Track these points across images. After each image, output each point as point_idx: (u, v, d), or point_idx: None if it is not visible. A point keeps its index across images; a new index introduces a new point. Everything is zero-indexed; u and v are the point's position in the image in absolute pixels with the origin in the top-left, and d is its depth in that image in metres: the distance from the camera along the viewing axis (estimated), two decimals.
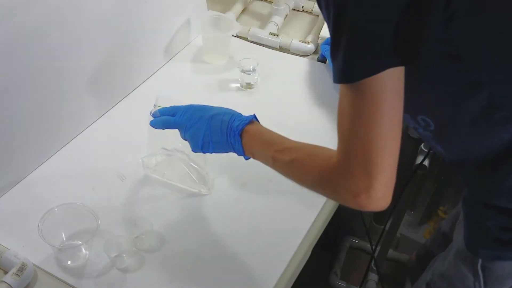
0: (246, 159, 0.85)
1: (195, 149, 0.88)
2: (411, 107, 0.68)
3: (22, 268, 0.87)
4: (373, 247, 1.39)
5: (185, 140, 0.90)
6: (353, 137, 0.65)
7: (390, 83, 0.63)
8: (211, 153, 0.87)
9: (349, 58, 0.63)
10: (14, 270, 0.87)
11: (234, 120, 0.84)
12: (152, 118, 0.93)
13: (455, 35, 0.65)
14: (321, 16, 1.54)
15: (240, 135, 0.83)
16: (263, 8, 1.60)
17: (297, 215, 1.00)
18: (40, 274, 0.91)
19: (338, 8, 0.62)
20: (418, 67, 0.67)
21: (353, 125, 0.65)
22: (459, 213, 1.31)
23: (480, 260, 0.90)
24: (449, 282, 1.00)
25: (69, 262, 0.92)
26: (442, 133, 0.81)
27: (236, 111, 0.88)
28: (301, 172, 0.77)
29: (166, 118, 0.90)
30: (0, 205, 1.01)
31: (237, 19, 1.52)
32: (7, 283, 0.85)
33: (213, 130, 0.85)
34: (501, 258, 0.88)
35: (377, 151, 0.64)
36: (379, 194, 0.66)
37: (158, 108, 0.95)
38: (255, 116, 0.86)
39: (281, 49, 1.42)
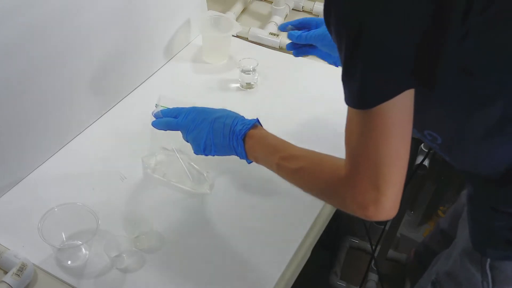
0: (249, 163, 0.85)
1: (197, 151, 0.88)
2: (417, 122, 0.67)
3: (22, 268, 0.87)
4: (373, 247, 1.39)
5: (187, 142, 0.89)
6: (362, 154, 0.66)
7: (402, 104, 0.63)
8: (213, 155, 0.87)
9: (366, 85, 0.62)
10: (14, 270, 0.87)
11: (236, 123, 0.84)
12: (154, 119, 0.93)
13: (469, 51, 0.64)
14: (321, 16, 1.54)
15: (243, 139, 0.83)
16: (263, 8, 1.60)
17: (297, 215, 1.00)
18: (40, 274, 0.91)
19: (355, 33, 0.60)
20: (431, 86, 0.66)
21: (362, 143, 0.65)
22: (458, 210, 1.30)
23: (488, 260, 0.90)
24: (456, 282, 1.00)
25: (69, 262, 0.92)
26: (450, 146, 0.80)
27: (239, 114, 0.87)
28: (308, 182, 0.77)
29: (168, 119, 0.90)
30: (0, 205, 1.01)
31: (237, 19, 1.52)
32: (7, 283, 0.85)
33: (216, 133, 0.85)
34: (510, 258, 0.87)
35: (386, 168, 0.65)
36: (387, 207, 0.66)
37: (161, 108, 0.95)
38: (258, 120, 0.85)
39: (281, 49, 1.42)
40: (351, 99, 0.65)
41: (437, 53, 0.62)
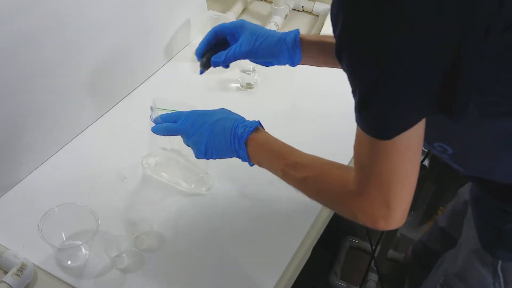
0: (251, 165, 0.85)
1: (198, 155, 0.87)
2: (428, 134, 0.66)
3: (22, 268, 0.87)
4: (373, 247, 1.39)
5: (188, 146, 0.89)
6: (373, 174, 0.66)
7: (416, 129, 0.62)
8: (215, 159, 0.87)
9: (383, 119, 0.61)
10: (14, 270, 0.87)
11: (237, 126, 0.83)
12: (153, 124, 0.93)
13: (488, 70, 0.61)
14: (321, 16, 1.53)
15: (245, 143, 0.82)
16: (263, 8, 1.60)
17: (297, 215, 1.00)
18: (40, 274, 0.91)
19: (375, 71, 0.58)
20: (452, 111, 0.63)
21: (373, 164, 0.65)
22: (457, 209, 1.30)
23: (500, 261, 0.89)
24: (466, 284, 0.99)
25: (69, 262, 0.92)
26: (462, 156, 0.79)
27: (239, 116, 0.87)
28: (315, 192, 0.78)
29: (168, 125, 0.89)
30: (0, 205, 1.01)
31: (237, 19, 1.52)
32: (7, 283, 0.85)
33: (216, 137, 0.84)
34: None
35: (396, 187, 0.65)
36: (397, 220, 0.68)
37: (158, 110, 0.94)
38: (259, 123, 0.85)
39: None
40: (365, 127, 0.64)
41: (458, 76, 0.59)
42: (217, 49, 0.97)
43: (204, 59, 0.97)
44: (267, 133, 0.84)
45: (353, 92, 0.63)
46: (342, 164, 0.75)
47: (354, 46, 0.60)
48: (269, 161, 0.81)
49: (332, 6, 0.62)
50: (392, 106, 0.60)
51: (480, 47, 0.57)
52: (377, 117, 0.62)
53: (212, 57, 0.96)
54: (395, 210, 0.66)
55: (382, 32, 0.56)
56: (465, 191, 1.28)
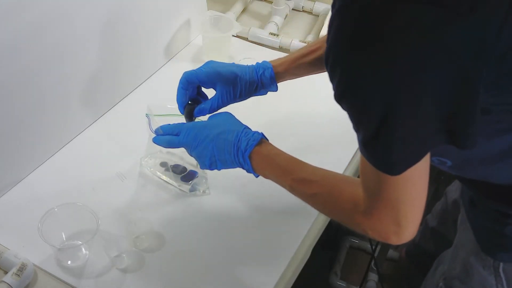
0: (256, 177, 0.85)
1: (203, 167, 0.88)
2: None
3: (22, 268, 0.87)
4: (373, 247, 1.39)
5: (192, 157, 0.89)
6: (382, 198, 0.66)
7: (424, 158, 0.62)
8: (220, 170, 0.87)
9: (392, 155, 0.61)
10: (14, 270, 0.87)
11: (240, 139, 0.83)
12: (151, 131, 0.92)
13: (491, 93, 0.60)
14: (321, 16, 1.53)
15: (249, 156, 0.82)
16: (263, 8, 1.60)
17: (297, 215, 1.00)
18: (40, 274, 0.91)
19: (380, 115, 0.57)
20: (460, 142, 0.62)
21: (381, 190, 0.65)
22: (446, 209, 1.30)
23: (501, 263, 0.90)
24: (469, 286, 0.99)
25: (69, 262, 0.92)
26: (461, 167, 0.80)
27: (241, 125, 0.86)
28: (324, 208, 0.79)
29: (170, 137, 0.89)
30: (0, 205, 1.01)
31: (237, 19, 1.52)
32: (7, 283, 0.85)
33: (220, 150, 0.84)
34: None
35: (406, 209, 0.66)
36: (408, 236, 0.68)
37: (155, 117, 0.94)
38: (263, 135, 0.84)
39: (281, 49, 1.42)
40: (371, 161, 0.63)
41: (466, 103, 0.58)
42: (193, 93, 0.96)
43: (186, 114, 0.95)
44: (271, 145, 0.84)
45: (356, 130, 0.63)
46: (352, 179, 0.75)
47: (358, 92, 0.59)
48: (275, 175, 0.82)
49: (328, 53, 0.60)
50: (400, 144, 0.60)
51: (487, 73, 0.56)
52: (384, 155, 0.61)
53: (195, 112, 0.95)
54: (406, 228, 0.67)
55: (389, 74, 0.55)
56: (452, 190, 1.28)
